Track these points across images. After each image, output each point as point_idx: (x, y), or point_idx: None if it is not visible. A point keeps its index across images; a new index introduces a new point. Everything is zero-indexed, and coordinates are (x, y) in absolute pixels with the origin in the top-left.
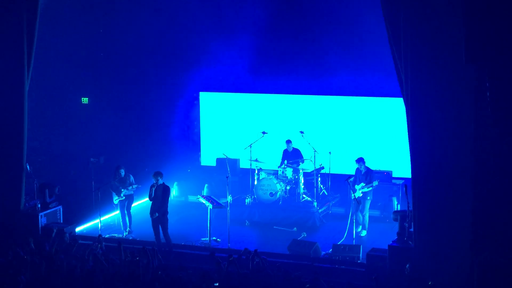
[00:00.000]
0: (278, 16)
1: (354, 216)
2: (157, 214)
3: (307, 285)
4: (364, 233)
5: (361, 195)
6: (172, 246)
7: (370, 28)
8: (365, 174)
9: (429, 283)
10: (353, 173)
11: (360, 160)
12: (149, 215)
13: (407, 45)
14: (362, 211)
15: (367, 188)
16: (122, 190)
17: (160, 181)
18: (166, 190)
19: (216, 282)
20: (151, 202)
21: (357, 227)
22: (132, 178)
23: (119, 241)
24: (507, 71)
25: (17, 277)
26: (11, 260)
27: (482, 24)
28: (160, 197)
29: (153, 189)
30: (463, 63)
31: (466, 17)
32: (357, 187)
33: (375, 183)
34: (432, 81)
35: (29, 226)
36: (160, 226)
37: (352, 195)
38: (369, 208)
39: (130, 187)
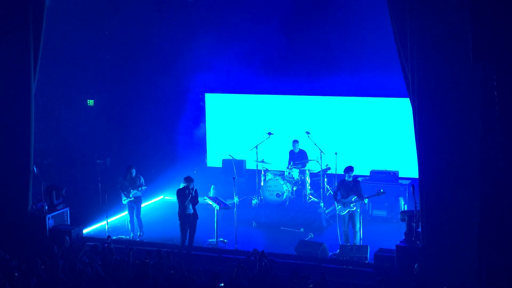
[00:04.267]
0: (284, 17)
1: (344, 233)
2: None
3: (311, 285)
4: None
5: (354, 208)
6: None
7: (376, 28)
8: (354, 185)
9: None
10: (359, 174)
11: (350, 169)
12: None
13: (414, 45)
14: (354, 227)
15: (365, 200)
16: (132, 190)
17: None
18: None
19: (222, 283)
20: (181, 204)
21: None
22: (142, 179)
23: (129, 244)
24: None
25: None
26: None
27: (490, 23)
28: (194, 199)
29: (192, 192)
30: (470, 62)
31: (473, 16)
32: (346, 200)
33: (366, 200)
34: (439, 81)
35: (36, 228)
36: (189, 229)
37: (342, 208)
38: (376, 208)
39: (140, 188)
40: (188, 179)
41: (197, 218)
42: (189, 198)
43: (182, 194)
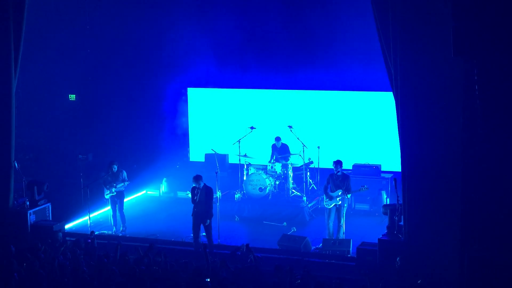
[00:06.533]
0: (266, 10)
1: (328, 226)
2: (208, 221)
3: (298, 281)
4: None
5: (339, 203)
6: (214, 247)
7: (360, 22)
8: (342, 180)
9: (418, 281)
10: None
11: (338, 163)
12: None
13: (396, 39)
14: (339, 221)
15: (348, 195)
16: (114, 185)
17: (202, 184)
18: (209, 192)
19: (205, 277)
20: (192, 204)
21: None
22: (125, 174)
23: (112, 239)
24: (495, 64)
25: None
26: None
27: (471, 18)
28: (204, 200)
29: (198, 193)
30: (452, 57)
31: (454, 10)
32: (332, 194)
33: (349, 195)
34: (421, 75)
35: (18, 224)
36: (203, 228)
37: (329, 202)
38: (359, 202)
39: (122, 184)
40: (196, 178)
41: (211, 216)
42: (198, 197)
43: (192, 193)
